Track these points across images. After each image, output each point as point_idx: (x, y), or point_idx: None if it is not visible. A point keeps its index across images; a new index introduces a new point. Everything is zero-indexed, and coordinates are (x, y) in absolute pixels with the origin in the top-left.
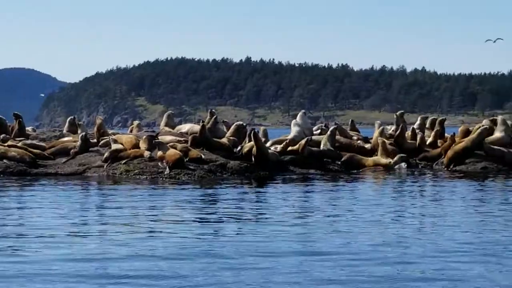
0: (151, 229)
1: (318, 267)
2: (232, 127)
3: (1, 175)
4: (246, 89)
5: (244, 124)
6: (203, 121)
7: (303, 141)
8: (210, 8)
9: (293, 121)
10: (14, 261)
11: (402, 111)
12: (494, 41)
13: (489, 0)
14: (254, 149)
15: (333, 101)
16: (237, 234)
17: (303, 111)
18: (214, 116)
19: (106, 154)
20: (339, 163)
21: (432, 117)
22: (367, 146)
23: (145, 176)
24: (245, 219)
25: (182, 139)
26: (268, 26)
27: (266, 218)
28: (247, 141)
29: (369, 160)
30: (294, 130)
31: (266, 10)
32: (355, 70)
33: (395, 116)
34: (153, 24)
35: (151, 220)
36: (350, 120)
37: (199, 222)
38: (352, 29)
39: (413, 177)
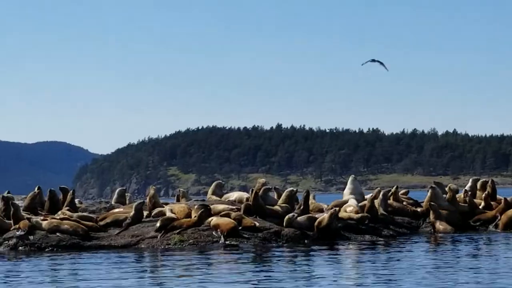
0: None
1: None
2: (284, 194)
3: (55, 249)
4: (277, 156)
5: (295, 189)
6: (252, 189)
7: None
8: (239, 76)
9: (348, 187)
10: None
11: (477, 177)
12: (379, 62)
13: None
14: (325, 221)
15: (365, 166)
16: None
17: (353, 175)
18: (265, 184)
19: (158, 223)
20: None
21: (483, 180)
22: (419, 210)
23: (200, 246)
24: None
25: (234, 207)
26: (298, 92)
27: None
28: (301, 207)
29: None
30: (349, 196)
31: (294, 77)
32: (386, 134)
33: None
34: (183, 94)
35: None
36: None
37: None
38: (382, 93)
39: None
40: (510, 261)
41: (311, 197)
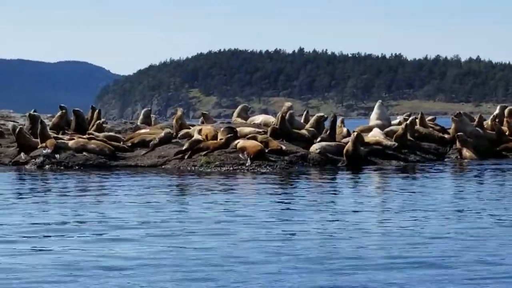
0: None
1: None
2: (313, 118)
3: (81, 168)
4: (299, 80)
5: (325, 116)
6: (280, 113)
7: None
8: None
9: (375, 112)
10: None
11: (505, 104)
12: None
13: None
14: (350, 147)
15: (387, 91)
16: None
17: (380, 101)
18: (291, 107)
19: (186, 145)
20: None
21: (511, 107)
22: (447, 136)
23: (226, 168)
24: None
25: (261, 130)
26: (321, 16)
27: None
28: (328, 132)
29: None
30: (375, 122)
31: (318, 0)
32: (409, 59)
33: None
34: (206, 16)
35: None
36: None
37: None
38: (405, 18)
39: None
40: None
41: (339, 122)
